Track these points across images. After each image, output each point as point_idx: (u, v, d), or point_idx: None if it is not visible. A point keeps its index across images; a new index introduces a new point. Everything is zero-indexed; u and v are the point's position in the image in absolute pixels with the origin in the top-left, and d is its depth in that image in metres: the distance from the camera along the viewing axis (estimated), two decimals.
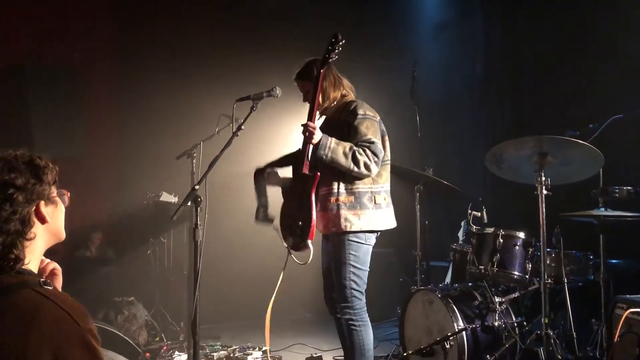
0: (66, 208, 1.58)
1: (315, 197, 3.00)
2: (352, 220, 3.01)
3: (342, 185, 3.03)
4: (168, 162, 4.85)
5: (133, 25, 5.88)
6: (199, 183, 2.86)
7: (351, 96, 3.22)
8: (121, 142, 5.80)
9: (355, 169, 2.95)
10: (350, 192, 3.03)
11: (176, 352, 4.40)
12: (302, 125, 2.98)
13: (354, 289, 3.06)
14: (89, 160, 5.72)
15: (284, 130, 5.46)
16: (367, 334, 3.10)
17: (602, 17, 4.72)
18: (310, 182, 2.96)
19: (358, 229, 3.03)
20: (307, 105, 3.16)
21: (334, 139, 2.96)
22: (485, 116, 5.88)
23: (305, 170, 2.99)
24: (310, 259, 3.07)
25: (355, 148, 2.96)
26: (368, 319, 3.13)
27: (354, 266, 3.05)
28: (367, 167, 2.96)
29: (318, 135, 2.93)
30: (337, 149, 2.93)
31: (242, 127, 2.98)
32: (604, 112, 3.90)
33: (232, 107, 3.06)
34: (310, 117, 2.95)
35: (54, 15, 5.67)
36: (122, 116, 5.81)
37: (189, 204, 2.84)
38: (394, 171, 4.45)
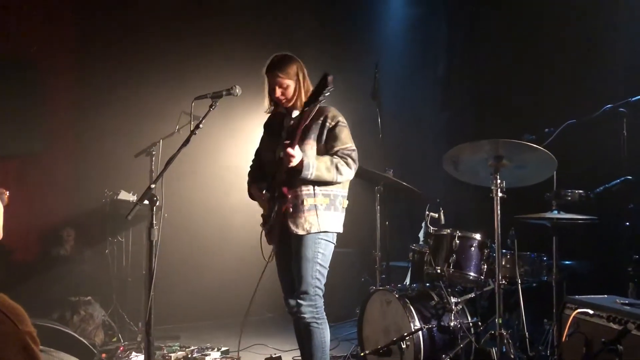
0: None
1: (292, 197, 3.02)
2: (328, 220, 3.06)
3: (317, 188, 3.06)
4: (127, 160, 4.78)
5: (93, 20, 5.76)
6: (155, 182, 2.82)
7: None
8: (80, 138, 5.67)
9: (339, 178, 3.02)
10: (326, 194, 3.07)
11: (133, 353, 4.34)
12: (284, 151, 2.91)
13: (318, 287, 3.07)
14: (46, 157, 5.59)
15: (247, 129, 5.45)
16: (327, 332, 3.12)
17: (560, 25, 4.84)
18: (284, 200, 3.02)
19: (332, 229, 3.09)
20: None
21: (312, 157, 2.97)
22: (447, 118, 5.97)
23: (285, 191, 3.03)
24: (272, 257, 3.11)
25: (335, 160, 3.00)
26: (326, 318, 3.14)
27: (320, 264, 3.06)
28: (348, 174, 3.04)
29: (298, 159, 2.90)
30: (320, 167, 2.95)
31: (201, 125, 2.95)
32: (562, 117, 4.00)
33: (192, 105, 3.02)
34: (292, 143, 2.89)
35: (11, 8, 5.52)
36: (80, 112, 5.69)
37: (145, 203, 2.79)
38: (355, 172, 4.49)
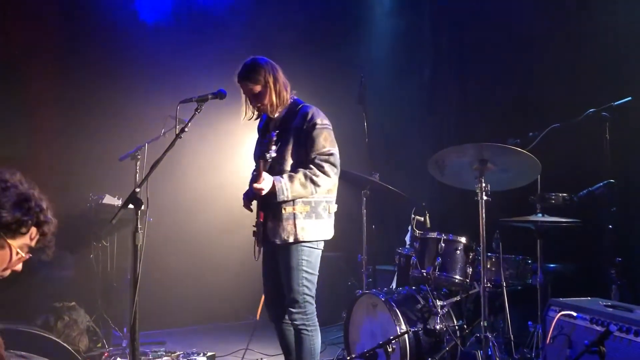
0: None
1: (270, 206, 3.02)
2: (308, 229, 3.03)
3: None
4: (112, 164, 4.74)
5: (78, 22, 5.71)
6: (140, 185, 2.80)
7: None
8: (64, 142, 5.59)
9: (317, 190, 3.00)
10: (306, 202, 3.04)
11: (118, 359, 4.30)
12: (252, 186, 2.97)
13: (307, 294, 3.06)
14: (29, 161, 5.51)
15: (232, 133, 5.43)
16: (318, 338, 3.12)
17: (544, 30, 4.90)
18: None
19: (314, 238, 3.06)
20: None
21: (284, 177, 2.96)
22: (432, 123, 6.00)
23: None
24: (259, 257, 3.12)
25: (310, 173, 2.98)
26: (317, 324, 3.13)
27: (306, 271, 3.05)
28: (326, 183, 3.01)
29: (268, 186, 2.92)
30: (294, 187, 2.94)
31: (187, 129, 2.93)
32: (546, 121, 4.04)
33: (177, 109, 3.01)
34: (258, 177, 2.91)
35: None
36: (65, 115, 5.62)
37: (130, 207, 2.77)
38: (342, 176, 4.50)
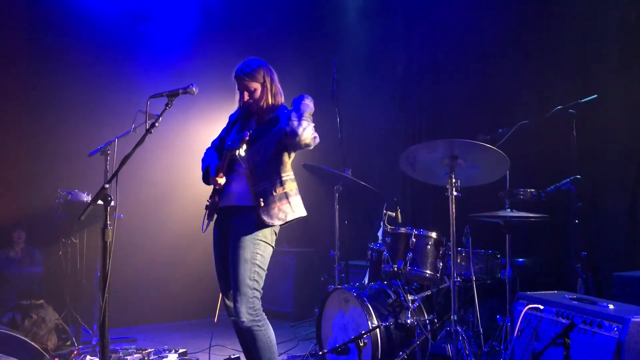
0: None
1: (256, 193, 3.05)
2: (286, 210, 3.08)
3: (277, 181, 3.09)
4: (82, 159, 4.66)
5: (47, 16, 5.59)
6: (109, 181, 2.76)
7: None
8: (32, 136, 5.48)
9: (309, 127, 2.99)
10: (291, 180, 3.15)
11: (88, 357, 4.24)
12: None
13: (256, 289, 3.04)
14: None
15: (204, 128, 5.39)
16: (270, 330, 3.09)
17: (513, 28, 4.97)
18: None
19: (292, 218, 3.12)
20: (228, 107, 3.24)
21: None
22: (405, 119, 6.05)
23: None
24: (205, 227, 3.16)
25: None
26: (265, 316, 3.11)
27: (259, 266, 3.07)
28: (309, 132, 3.00)
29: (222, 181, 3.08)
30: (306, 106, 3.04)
31: (157, 124, 2.90)
32: (516, 118, 4.11)
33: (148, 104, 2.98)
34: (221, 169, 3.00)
35: None
36: (33, 109, 5.50)
37: (99, 203, 2.73)
38: (314, 172, 4.52)
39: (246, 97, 3.14)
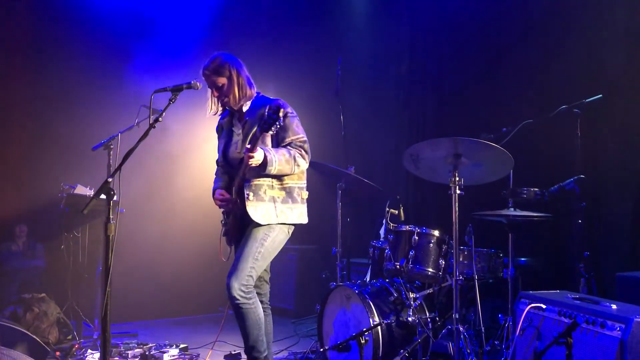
0: None
1: (249, 187, 3.08)
2: (287, 213, 3.14)
3: (274, 181, 3.14)
4: (85, 154, 4.67)
5: (49, 13, 5.59)
6: (112, 176, 2.76)
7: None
8: (36, 131, 5.50)
9: (296, 170, 3.12)
10: (281, 188, 3.16)
11: (89, 351, 4.25)
12: (246, 155, 2.95)
13: (253, 268, 3.06)
14: (1, 151, 5.41)
15: (206, 124, 5.38)
16: (260, 308, 3.12)
17: (518, 27, 4.95)
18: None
19: (293, 222, 3.18)
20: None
21: (272, 151, 3.01)
22: (409, 117, 6.03)
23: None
24: (229, 256, 3.14)
25: (292, 151, 3.08)
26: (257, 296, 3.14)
27: (265, 247, 3.09)
28: (303, 165, 3.14)
29: (260, 159, 2.96)
30: (281, 161, 3.02)
31: (160, 119, 2.91)
32: (519, 117, 4.09)
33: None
34: (253, 148, 2.91)
35: None
36: (37, 104, 5.52)
37: (102, 197, 2.73)
38: (317, 169, 4.51)
39: (215, 93, 3.19)
